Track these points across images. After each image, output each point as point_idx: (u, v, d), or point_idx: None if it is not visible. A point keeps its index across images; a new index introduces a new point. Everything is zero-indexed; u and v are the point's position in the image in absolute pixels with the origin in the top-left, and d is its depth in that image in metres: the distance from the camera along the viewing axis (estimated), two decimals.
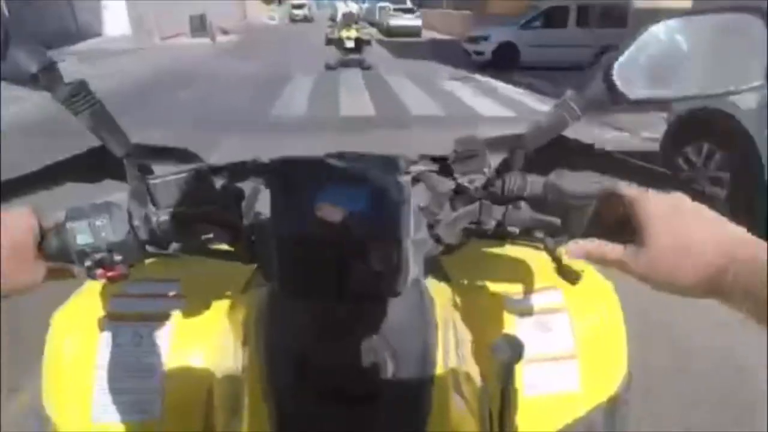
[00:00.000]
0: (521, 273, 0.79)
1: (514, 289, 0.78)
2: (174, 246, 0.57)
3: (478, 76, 10.48)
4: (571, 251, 0.47)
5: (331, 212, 0.51)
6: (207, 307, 0.74)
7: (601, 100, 0.53)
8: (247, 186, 0.60)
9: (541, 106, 7.48)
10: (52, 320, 0.75)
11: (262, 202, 0.61)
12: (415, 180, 0.58)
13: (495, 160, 0.59)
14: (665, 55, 0.51)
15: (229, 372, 0.64)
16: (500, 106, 7.68)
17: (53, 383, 0.73)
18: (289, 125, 6.28)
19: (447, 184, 0.59)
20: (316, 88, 8.95)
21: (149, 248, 0.56)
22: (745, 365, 2.04)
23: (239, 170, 0.60)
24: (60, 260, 0.51)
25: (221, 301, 0.75)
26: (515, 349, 0.57)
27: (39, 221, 0.50)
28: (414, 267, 0.56)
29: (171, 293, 0.77)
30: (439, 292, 0.67)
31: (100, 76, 7.76)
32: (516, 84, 9.55)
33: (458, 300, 0.73)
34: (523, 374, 0.72)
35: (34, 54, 0.48)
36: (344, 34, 11.45)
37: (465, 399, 0.59)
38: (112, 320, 0.73)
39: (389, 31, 22.17)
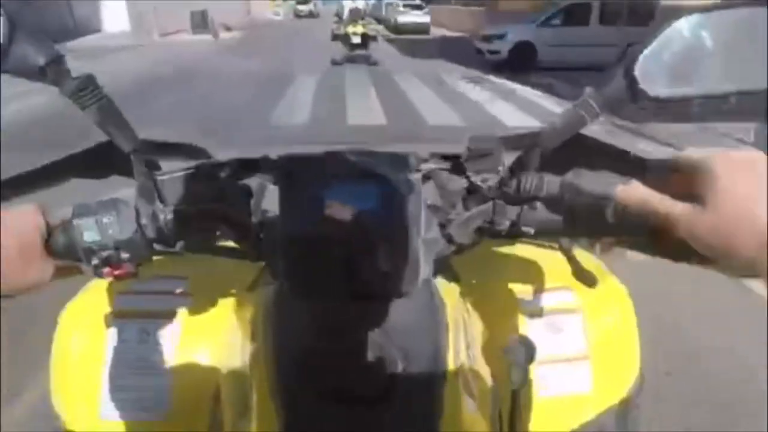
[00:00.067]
0: (532, 273, 0.78)
1: (525, 289, 0.77)
2: (181, 244, 0.56)
3: (493, 78, 9.80)
4: (624, 191, 0.42)
5: (341, 210, 0.51)
6: (214, 304, 0.74)
7: (621, 97, 0.49)
8: (253, 182, 0.59)
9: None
10: (59, 317, 0.75)
11: (269, 199, 0.60)
12: (426, 178, 0.58)
13: (509, 159, 0.57)
14: (689, 51, 0.48)
15: (237, 370, 0.63)
16: (523, 113, 7.04)
17: (61, 381, 0.74)
18: (290, 136, 5.64)
19: (459, 183, 0.58)
20: (320, 91, 8.33)
21: (157, 246, 0.54)
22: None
23: (248, 167, 0.59)
24: (67, 258, 0.50)
25: (228, 298, 0.74)
26: (527, 350, 0.60)
27: (45, 218, 0.49)
28: (424, 267, 0.55)
29: (178, 291, 0.76)
30: (449, 292, 0.66)
31: (95, 74, 7.26)
32: (533, 86, 8.91)
33: (468, 300, 0.72)
34: (535, 375, 0.69)
35: (42, 47, 0.47)
36: (350, 29, 11.47)
37: (475, 400, 0.57)
38: (119, 317, 0.73)
39: (397, 28, 21.54)
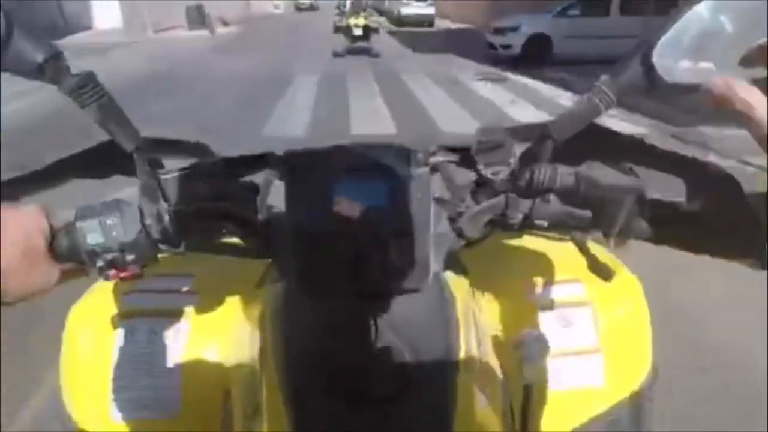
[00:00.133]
0: (542, 266, 0.77)
1: (536, 282, 0.76)
2: (186, 243, 0.55)
3: (510, 75, 9.06)
4: (715, 84, 0.39)
5: (349, 206, 0.51)
6: (222, 302, 0.73)
7: (637, 84, 0.48)
8: (259, 179, 0.58)
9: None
10: (68, 317, 0.74)
11: (274, 196, 0.58)
12: (433, 170, 0.57)
13: (520, 150, 0.56)
14: (709, 36, 0.46)
15: (247, 368, 0.63)
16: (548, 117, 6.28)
17: (71, 382, 0.73)
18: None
19: (467, 176, 0.58)
20: (320, 97, 7.63)
21: (162, 246, 0.53)
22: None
23: (253, 163, 0.58)
24: (71, 260, 0.49)
25: (236, 296, 0.74)
26: (540, 345, 0.60)
27: (48, 221, 0.48)
28: (434, 262, 0.55)
29: (185, 289, 0.76)
30: (459, 285, 0.65)
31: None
32: (546, 81, 8.21)
33: (478, 294, 0.72)
34: (546, 369, 0.69)
35: (40, 44, 0.46)
36: (352, 21, 11.48)
37: (487, 395, 0.57)
38: (126, 317, 0.72)
39: (400, 20, 20.74)
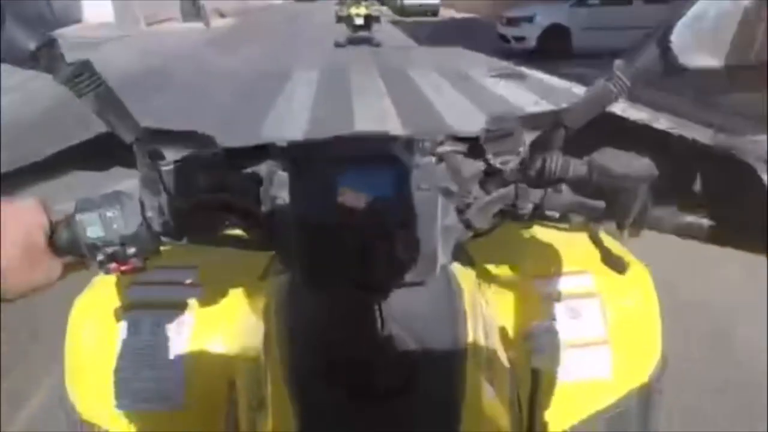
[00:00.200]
0: (550, 256, 0.76)
1: (543, 273, 0.75)
2: (188, 236, 0.55)
3: (526, 70, 8.37)
4: None
5: (354, 197, 0.50)
6: (225, 294, 0.72)
7: (653, 69, 0.46)
8: (262, 169, 0.57)
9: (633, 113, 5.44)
10: (72, 307, 0.74)
11: (277, 186, 0.57)
12: (439, 161, 0.56)
13: (531, 139, 0.54)
14: (728, 18, 0.45)
15: (251, 360, 0.62)
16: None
17: (75, 374, 0.73)
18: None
19: (473, 166, 0.56)
20: (320, 93, 7.00)
21: (163, 239, 0.53)
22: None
23: (256, 154, 0.57)
24: (72, 254, 0.49)
25: (240, 288, 0.73)
26: (549, 337, 0.62)
27: (47, 214, 0.47)
28: (442, 254, 0.54)
29: (189, 281, 0.75)
30: (465, 277, 0.65)
31: None
32: (563, 76, 7.56)
33: (484, 285, 0.71)
34: (554, 361, 0.69)
35: (33, 31, 0.45)
36: (353, 11, 11.52)
37: (494, 386, 0.56)
38: (130, 309, 0.72)
39: (403, 10, 19.97)
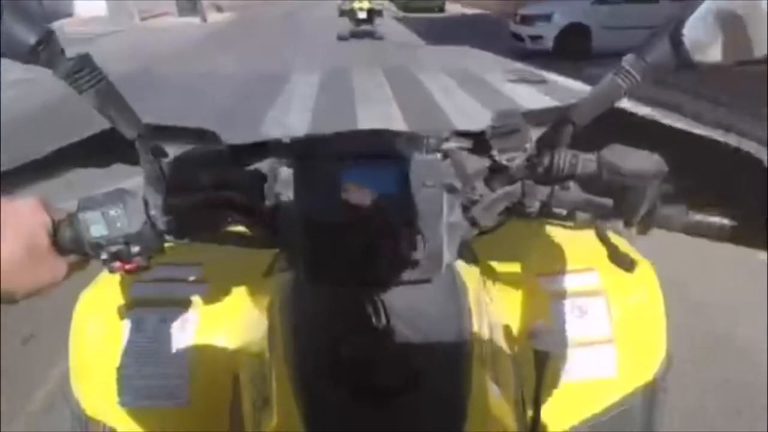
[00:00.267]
0: (555, 254, 0.75)
1: (548, 271, 0.74)
2: (192, 234, 0.54)
3: (546, 74, 7.68)
4: None
5: (359, 194, 0.50)
6: (230, 291, 0.72)
7: (664, 63, 0.45)
8: (265, 166, 0.57)
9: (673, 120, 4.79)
10: (77, 303, 0.73)
11: (281, 183, 0.57)
12: (445, 157, 0.56)
13: (538, 135, 0.53)
14: (745, 10, 0.43)
15: (256, 357, 0.61)
16: None
17: (79, 369, 0.72)
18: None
19: (478, 163, 0.55)
20: (322, 96, 6.42)
21: (167, 237, 0.52)
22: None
23: (260, 150, 0.57)
24: (75, 253, 0.48)
25: (245, 285, 0.72)
26: (554, 336, 0.59)
27: (49, 213, 0.47)
28: (447, 252, 0.54)
29: (194, 278, 0.75)
30: (470, 274, 0.64)
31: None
32: (581, 79, 6.90)
33: (489, 282, 0.70)
34: (559, 360, 0.68)
35: (31, 25, 0.43)
36: (356, 5, 11.61)
37: (499, 384, 0.55)
38: (134, 306, 0.72)
39: (407, 6, 19.21)
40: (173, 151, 0.53)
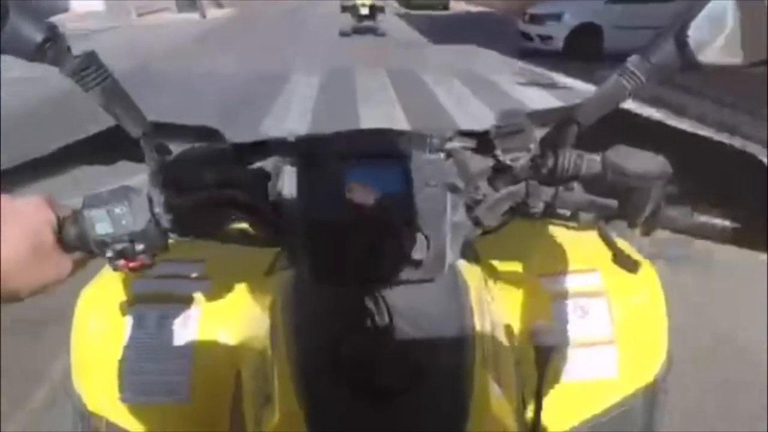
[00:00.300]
0: (557, 254, 0.74)
1: (549, 271, 0.73)
2: (195, 232, 0.55)
3: (557, 76, 7.37)
4: None
5: (362, 193, 0.50)
6: (232, 288, 0.72)
7: (670, 64, 0.45)
8: (268, 164, 0.57)
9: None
10: (79, 299, 0.73)
11: (284, 182, 0.57)
12: (448, 156, 0.55)
13: (542, 136, 0.53)
14: (754, 11, 0.43)
15: (257, 355, 0.61)
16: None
17: (81, 362, 0.72)
18: None
19: (481, 162, 0.55)
20: (322, 98, 6.14)
21: (171, 235, 0.51)
22: None
23: (264, 149, 0.57)
24: (80, 250, 0.48)
25: (247, 282, 0.72)
26: (554, 336, 0.59)
27: (54, 211, 0.47)
28: (450, 251, 0.54)
29: (196, 274, 0.75)
30: (472, 273, 0.63)
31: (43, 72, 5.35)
32: (592, 82, 6.57)
33: (491, 282, 0.70)
34: (560, 360, 0.68)
35: (38, 22, 0.44)
36: (359, 1, 11.63)
37: (500, 385, 0.55)
38: (137, 302, 0.71)
39: (410, 2, 18.84)
40: (177, 149, 0.53)
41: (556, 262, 0.73)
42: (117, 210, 0.46)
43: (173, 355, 0.68)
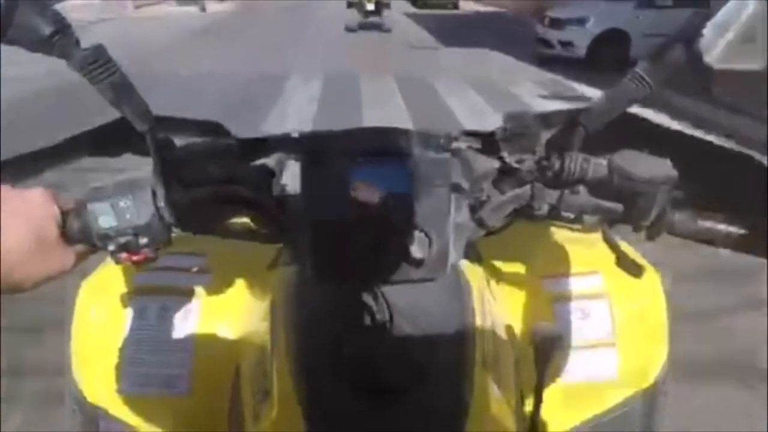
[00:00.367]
0: (559, 256, 0.75)
1: (551, 273, 0.74)
2: (198, 227, 0.55)
3: (577, 86, 6.79)
4: None
5: (367, 192, 0.50)
6: (233, 282, 0.73)
7: (679, 69, 0.45)
8: (272, 161, 0.57)
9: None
10: (80, 290, 0.73)
11: (288, 179, 0.58)
12: (453, 156, 0.56)
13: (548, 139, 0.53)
14: (759, 19, 0.43)
15: (257, 351, 0.61)
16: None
17: (81, 354, 0.72)
18: None
19: (488, 163, 0.55)
20: (324, 98, 5.77)
21: (175, 229, 0.52)
22: None
23: (269, 145, 0.57)
24: (83, 243, 0.48)
25: (248, 277, 0.73)
26: (555, 338, 0.60)
27: (57, 203, 0.47)
28: (453, 252, 0.54)
29: (198, 268, 0.75)
30: (474, 273, 0.63)
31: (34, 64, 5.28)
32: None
33: (493, 282, 0.70)
34: (560, 361, 0.68)
35: (48, 15, 0.42)
36: None
37: (500, 385, 0.55)
38: (138, 294, 0.72)
39: (418, 1, 18.23)
40: (182, 144, 0.53)
41: (559, 264, 0.73)
42: (121, 203, 0.47)
43: (173, 348, 0.68)
